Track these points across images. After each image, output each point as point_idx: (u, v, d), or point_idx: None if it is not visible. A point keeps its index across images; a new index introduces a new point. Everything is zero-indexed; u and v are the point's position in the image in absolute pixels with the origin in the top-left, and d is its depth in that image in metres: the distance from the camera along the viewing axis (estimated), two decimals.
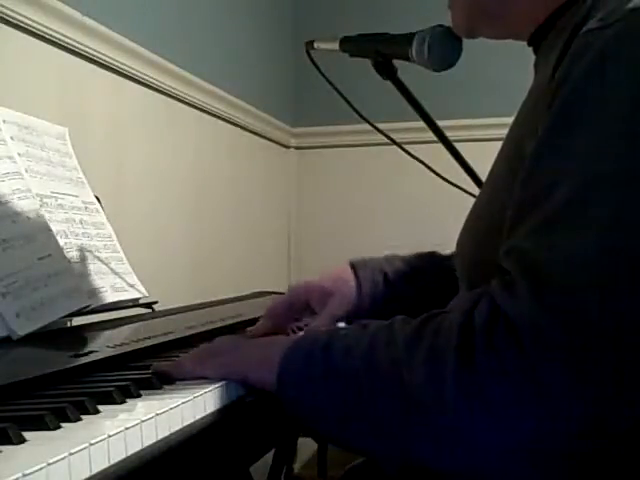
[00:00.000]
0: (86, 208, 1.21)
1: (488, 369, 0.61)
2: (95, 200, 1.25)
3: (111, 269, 1.19)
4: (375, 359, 0.68)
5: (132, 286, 1.23)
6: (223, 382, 0.73)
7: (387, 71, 1.23)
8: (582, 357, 0.59)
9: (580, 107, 0.65)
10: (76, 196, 1.19)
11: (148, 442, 0.58)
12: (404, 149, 1.38)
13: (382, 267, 1.07)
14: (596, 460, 0.66)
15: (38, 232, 1.01)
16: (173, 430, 0.62)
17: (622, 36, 0.64)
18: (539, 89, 0.76)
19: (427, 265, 1.08)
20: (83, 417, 0.59)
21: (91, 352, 0.82)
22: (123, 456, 0.54)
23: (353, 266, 1.07)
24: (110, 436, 0.53)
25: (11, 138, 1.08)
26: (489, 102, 2.52)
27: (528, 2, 0.82)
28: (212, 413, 0.69)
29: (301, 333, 0.95)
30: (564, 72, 0.67)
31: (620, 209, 0.61)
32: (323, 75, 1.36)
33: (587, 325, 0.59)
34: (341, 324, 1.01)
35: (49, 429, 0.56)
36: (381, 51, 1.22)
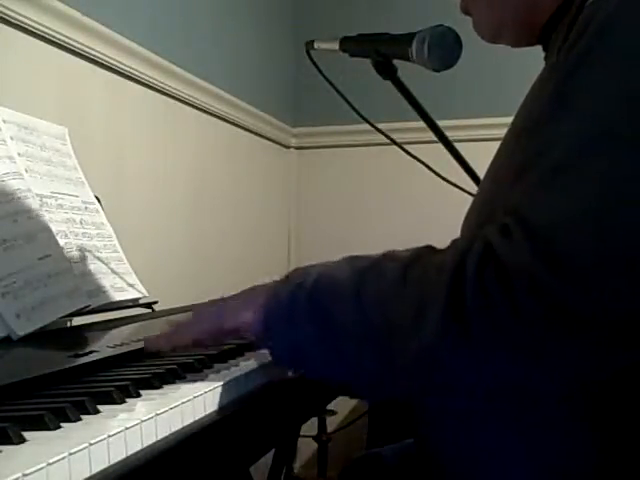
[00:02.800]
0: (86, 208, 1.21)
1: (474, 307, 0.62)
2: (95, 200, 1.25)
3: (111, 269, 1.19)
4: (362, 293, 0.69)
5: (132, 286, 1.23)
6: (223, 382, 0.73)
7: (387, 71, 1.23)
8: (569, 309, 0.59)
9: (583, 73, 0.66)
10: (76, 196, 1.19)
11: (148, 442, 0.58)
12: (404, 149, 1.38)
13: None
14: (579, 405, 0.68)
15: (38, 232, 1.01)
16: (173, 430, 0.62)
17: (626, 3, 0.66)
18: (545, 72, 0.77)
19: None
20: (83, 417, 0.59)
21: (91, 352, 0.82)
22: (123, 456, 0.54)
23: None
24: (110, 436, 0.53)
25: (11, 138, 1.08)
26: (489, 102, 2.52)
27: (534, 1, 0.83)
28: (212, 413, 0.69)
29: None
30: (572, 41, 0.68)
31: (617, 167, 0.61)
32: (323, 75, 1.36)
33: (577, 279, 0.59)
34: None
35: (49, 429, 0.56)
36: (381, 51, 1.22)
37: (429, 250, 0.71)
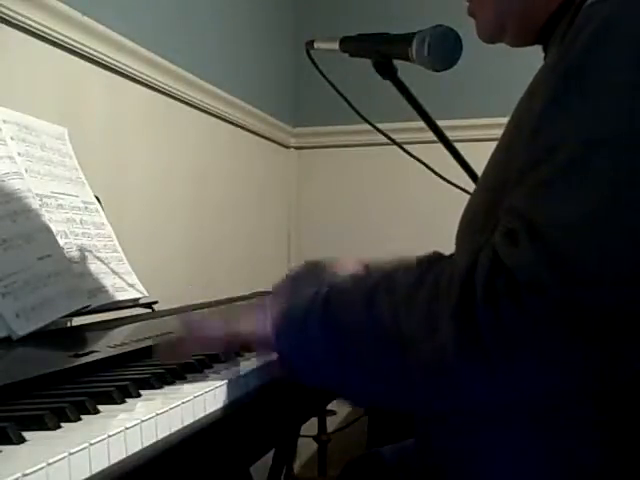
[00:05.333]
0: (86, 208, 1.21)
1: (485, 316, 0.62)
2: (95, 200, 1.25)
3: (111, 269, 1.19)
4: (375, 306, 0.69)
5: (132, 286, 1.23)
6: (223, 382, 0.73)
7: (387, 71, 1.23)
8: (579, 313, 0.60)
9: (583, 72, 0.66)
10: (76, 196, 1.19)
11: (148, 442, 0.58)
12: (404, 149, 1.38)
13: None
14: (588, 407, 0.68)
15: (38, 232, 1.01)
16: (173, 430, 0.62)
17: (625, 5, 0.66)
18: (541, 73, 0.77)
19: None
20: (83, 417, 0.59)
21: (91, 352, 0.82)
22: (123, 456, 0.54)
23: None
24: (110, 436, 0.53)
25: (11, 138, 1.08)
26: (489, 102, 2.52)
27: (533, 1, 0.83)
28: (212, 413, 0.69)
29: None
30: (569, 41, 0.68)
31: (622, 169, 0.61)
32: (323, 75, 1.36)
33: (585, 281, 0.59)
34: None
35: (49, 429, 0.56)
36: (381, 51, 1.22)
37: (438, 259, 0.71)
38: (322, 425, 2.37)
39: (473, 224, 0.83)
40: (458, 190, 1.35)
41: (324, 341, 0.71)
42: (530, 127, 0.69)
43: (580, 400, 0.68)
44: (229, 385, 0.73)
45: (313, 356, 0.72)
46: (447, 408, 0.70)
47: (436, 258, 0.72)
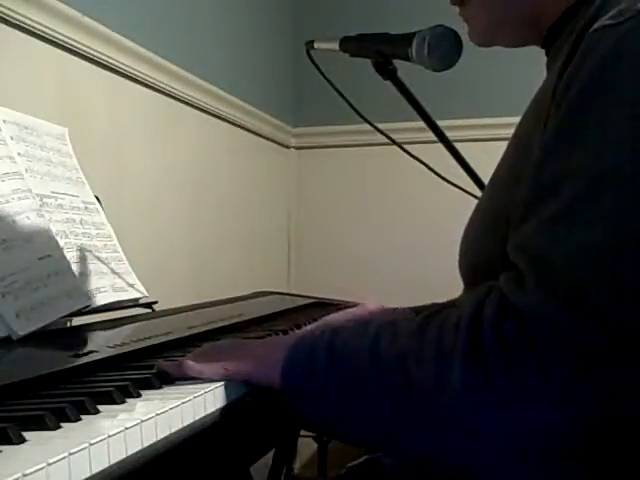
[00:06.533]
0: (86, 208, 1.21)
1: (496, 361, 0.61)
2: (95, 200, 1.25)
3: (111, 269, 1.19)
4: (379, 352, 0.69)
5: (132, 286, 1.23)
6: (223, 382, 0.73)
7: (387, 71, 1.23)
8: (589, 349, 0.59)
9: (592, 103, 0.65)
10: (76, 196, 1.19)
11: (148, 442, 0.58)
12: (404, 149, 1.38)
13: None
14: (603, 455, 0.67)
15: (38, 232, 1.01)
16: (173, 430, 0.62)
17: (635, 33, 0.65)
18: (547, 91, 0.76)
19: None
20: (83, 417, 0.59)
21: (91, 352, 0.82)
22: (123, 456, 0.54)
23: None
24: (110, 436, 0.53)
25: (11, 138, 1.08)
26: (489, 102, 2.52)
27: (539, 4, 0.82)
28: (212, 413, 0.69)
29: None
30: (575, 68, 0.67)
31: (628, 203, 0.61)
32: (323, 75, 1.36)
33: (595, 317, 0.59)
34: None
35: (49, 429, 0.56)
36: (381, 51, 1.22)
37: (441, 306, 0.71)
38: None
39: (479, 227, 0.83)
40: (458, 190, 1.35)
41: (329, 384, 0.71)
42: (536, 156, 0.68)
43: (590, 438, 0.67)
44: (229, 385, 0.73)
45: (319, 399, 0.71)
46: (459, 457, 0.69)
47: (438, 309, 0.71)
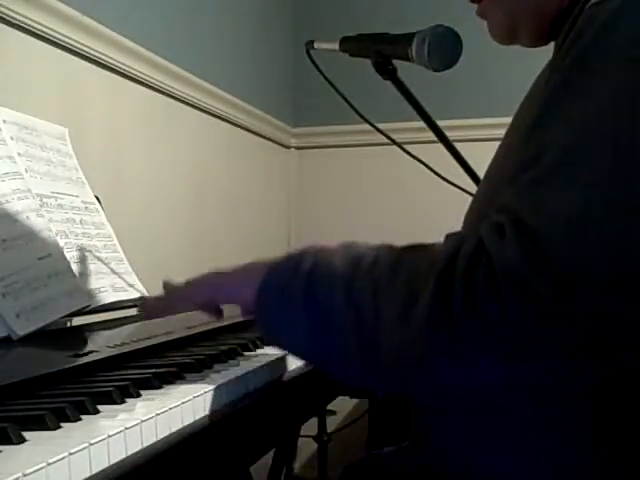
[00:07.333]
0: (86, 208, 1.21)
1: (463, 309, 0.62)
2: (95, 200, 1.25)
3: (111, 269, 1.19)
4: (355, 286, 0.69)
5: (132, 286, 1.23)
6: (223, 382, 0.73)
7: (387, 71, 1.23)
8: (555, 313, 0.59)
9: (579, 77, 0.66)
10: (76, 196, 1.19)
11: (148, 442, 0.58)
12: (404, 149, 1.38)
13: None
14: (580, 406, 0.68)
15: (38, 232, 1.01)
16: (173, 430, 0.62)
17: (626, 7, 0.66)
18: (544, 72, 0.77)
19: None
20: (83, 417, 0.59)
21: (91, 352, 0.82)
22: (123, 456, 0.54)
23: None
24: (110, 436, 0.53)
25: (11, 138, 1.08)
26: (489, 102, 2.52)
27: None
28: (212, 413, 0.69)
29: None
30: (569, 44, 0.68)
31: (606, 168, 0.61)
32: (323, 75, 1.36)
33: (567, 278, 0.59)
34: None
35: (49, 429, 0.56)
36: (381, 51, 1.22)
37: (424, 245, 0.71)
38: (322, 425, 2.37)
39: (475, 221, 0.83)
40: (458, 190, 1.35)
41: (302, 318, 0.71)
42: (525, 130, 0.69)
43: (568, 399, 0.68)
44: (229, 385, 0.73)
45: (291, 330, 0.72)
46: (414, 395, 0.71)
47: (420, 246, 0.72)
